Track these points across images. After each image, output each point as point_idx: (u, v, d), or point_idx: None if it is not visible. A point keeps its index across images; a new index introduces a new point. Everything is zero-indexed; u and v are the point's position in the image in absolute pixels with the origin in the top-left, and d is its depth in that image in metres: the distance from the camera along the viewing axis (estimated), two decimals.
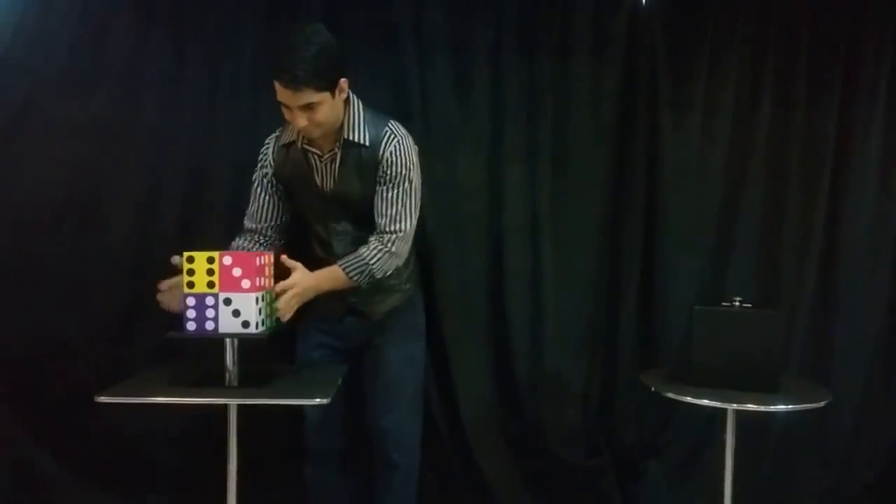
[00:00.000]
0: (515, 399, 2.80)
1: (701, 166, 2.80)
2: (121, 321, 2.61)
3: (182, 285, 1.88)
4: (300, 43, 1.94)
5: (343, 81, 2.06)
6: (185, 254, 1.88)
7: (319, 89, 1.97)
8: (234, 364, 1.95)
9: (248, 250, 2.25)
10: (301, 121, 2.01)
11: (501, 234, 2.76)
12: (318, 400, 1.87)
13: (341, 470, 2.45)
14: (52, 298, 2.56)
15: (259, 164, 2.30)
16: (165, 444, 2.65)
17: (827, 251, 2.83)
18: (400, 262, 2.20)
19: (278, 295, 1.99)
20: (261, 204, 2.28)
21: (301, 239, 2.36)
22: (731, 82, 2.77)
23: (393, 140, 2.14)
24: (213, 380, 1.96)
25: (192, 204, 2.64)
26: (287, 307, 1.99)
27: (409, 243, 2.22)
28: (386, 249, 2.13)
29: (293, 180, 2.25)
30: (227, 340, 1.93)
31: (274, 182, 2.27)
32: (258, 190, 2.29)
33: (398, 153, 2.13)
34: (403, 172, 2.14)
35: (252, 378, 2.00)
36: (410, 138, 2.21)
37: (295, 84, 1.93)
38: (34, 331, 2.56)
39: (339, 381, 2.07)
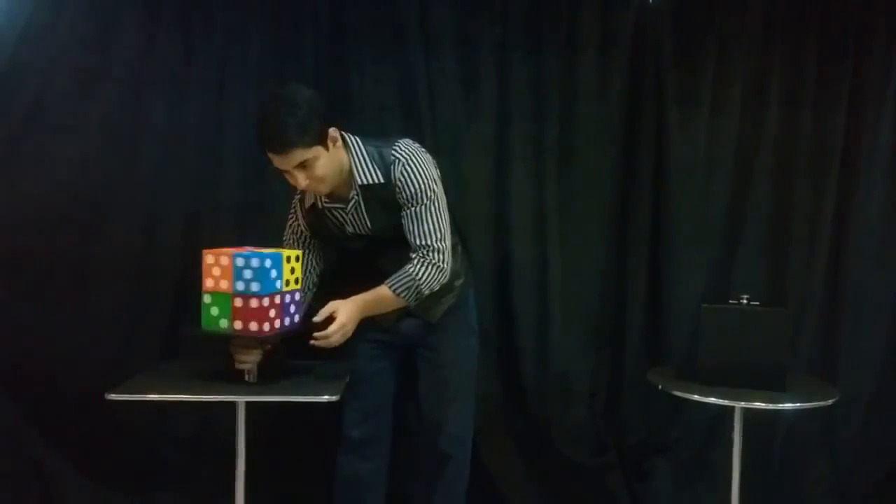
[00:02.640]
0: (522, 397, 2.80)
1: (708, 164, 2.80)
2: (128, 319, 2.62)
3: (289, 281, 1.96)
4: (277, 107, 1.93)
5: (332, 131, 2.03)
6: (286, 252, 1.96)
7: (308, 146, 1.95)
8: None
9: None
10: (302, 181, 2.00)
11: (508, 232, 2.76)
12: (326, 397, 1.88)
13: (378, 462, 2.42)
14: (60, 296, 2.57)
15: (289, 228, 2.28)
16: (174, 441, 2.66)
17: (834, 249, 2.82)
18: (446, 276, 2.17)
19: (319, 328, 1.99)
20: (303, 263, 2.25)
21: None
22: (739, 79, 2.77)
23: (399, 166, 2.11)
24: (229, 377, 1.97)
25: (198, 203, 2.65)
26: (331, 342, 1.99)
27: (450, 254, 2.18)
28: (429, 261, 2.11)
29: (329, 237, 2.25)
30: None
31: (307, 238, 2.27)
32: (293, 245, 2.27)
33: (407, 174, 2.10)
34: (420, 189, 2.11)
35: (262, 375, 2.00)
36: (421, 152, 2.17)
37: (282, 148, 1.93)
38: (42, 329, 2.56)
39: (348, 378, 2.07)
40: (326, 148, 2.01)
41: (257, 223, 2.63)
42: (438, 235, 2.13)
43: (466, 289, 2.38)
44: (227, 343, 1.97)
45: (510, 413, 2.82)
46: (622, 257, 2.84)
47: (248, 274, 1.87)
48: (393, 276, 2.10)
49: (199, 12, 2.62)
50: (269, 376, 1.99)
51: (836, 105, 2.78)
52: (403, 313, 2.24)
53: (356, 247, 2.23)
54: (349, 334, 2.03)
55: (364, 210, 2.15)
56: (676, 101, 2.76)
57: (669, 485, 2.83)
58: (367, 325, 2.18)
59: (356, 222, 2.17)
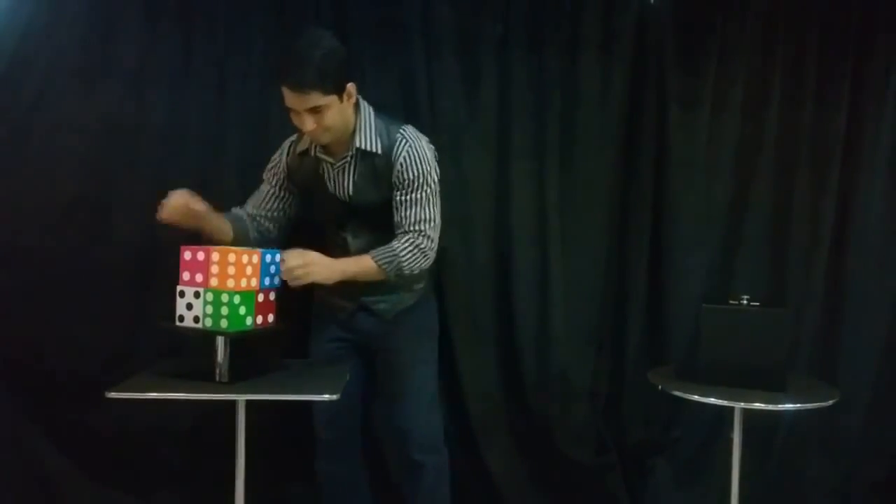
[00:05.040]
0: (522, 397, 2.80)
1: (709, 163, 2.79)
2: (128, 317, 2.62)
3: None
4: (305, 47, 1.96)
5: (350, 86, 2.07)
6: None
7: (326, 92, 1.98)
8: (225, 359, 1.96)
9: (237, 213, 2.30)
10: (309, 124, 2.02)
11: (509, 231, 2.76)
12: (327, 395, 1.88)
13: (352, 463, 2.45)
14: (60, 294, 2.57)
15: (273, 161, 2.33)
16: (173, 440, 2.66)
17: (835, 249, 2.82)
18: (428, 262, 2.20)
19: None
20: (265, 193, 2.33)
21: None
22: (740, 79, 2.77)
23: (405, 146, 2.14)
24: (210, 376, 1.97)
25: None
26: (291, 272, 1.99)
27: (436, 244, 2.22)
28: (416, 243, 2.15)
29: (307, 188, 2.27)
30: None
31: (282, 180, 2.30)
32: (265, 182, 2.33)
33: (411, 158, 2.14)
34: (421, 177, 2.15)
35: (259, 373, 2.01)
36: (425, 140, 2.21)
37: (301, 87, 1.95)
38: (42, 327, 2.57)
39: (348, 376, 2.08)
40: (341, 100, 2.04)
41: None
42: (431, 224, 2.17)
43: (427, 293, 2.40)
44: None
45: (510, 412, 2.82)
46: (623, 257, 2.84)
47: (272, 269, 2.00)
48: (377, 249, 2.13)
49: (200, 11, 2.62)
50: (241, 375, 1.98)
51: (836, 105, 2.77)
52: (358, 307, 2.27)
53: (326, 215, 2.25)
54: (314, 277, 2.02)
55: (352, 173, 2.17)
56: (677, 101, 2.76)
57: (670, 484, 2.83)
58: (327, 320, 2.29)
59: (339, 182, 2.19)
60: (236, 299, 1.90)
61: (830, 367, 2.82)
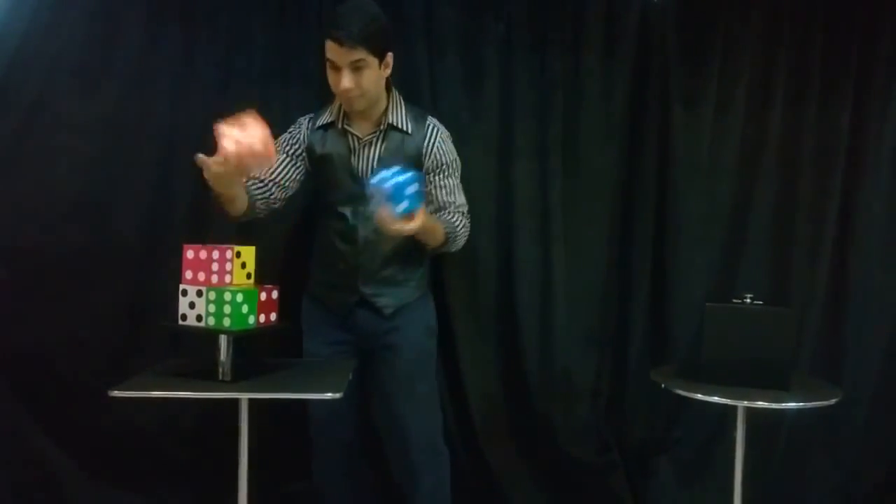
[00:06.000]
0: (525, 396, 2.80)
1: (712, 163, 2.79)
2: (131, 316, 2.62)
3: None
4: (355, 8, 2.05)
5: (390, 55, 2.13)
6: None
7: (370, 51, 2.04)
8: (227, 357, 1.96)
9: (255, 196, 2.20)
10: (347, 81, 2.05)
11: (511, 231, 2.76)
12: (329, 394, 1.88)
13: (350, 466, 2.45)
14: (63, 293, 2.57)
15: (289, 133, 2.30)
16: (176, 439, 2.66)
17: (839, 248, 2.82)
18: (462, 243, 2.30)
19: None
20: (278, 161, 2.24)
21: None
22: (743, 79, 2.76)
23: (438, 132, 2.25)
24: (212, 374, 1.97)
25: (201, 200, 2.64)
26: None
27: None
28: (465, 224, 2.26)
29: (328, 161, 2.25)
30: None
31: (299, 150, 2.28)
32: (279, 151, 2.23)
33: (445, 144, 2.25)
34: (455, 162, 2.28)
35: (262, 372, 2.00)
36: None
37: (349, 40, 2.00)
38: (45, 326, 2.57)
39: (350, 375, 2.08)
40: (380, 66, 2.10)
41: (259, 221, 2.63)
42: (468, 207, 2.30)
43: (426, 290, 2.42)
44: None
45: (513, 412, 2.82)
46: (626, 256, 2.84)
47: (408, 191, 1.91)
48: (440, 216, 2.22)
49: (201, 11, 2.62)
50: (244, 374, 1.98)
51: (840, 104, 2.78)
52: (358, 301, 2.27)
53: (344, 187, 2.23)
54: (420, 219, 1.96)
55: (380, 148, 2.21)
56: (681, 101, 2.76)
57: (672, 483, 2.83)
58: (321, 320, 2.31)
59: (364, 157, 2.22)
60: (239, 297, 1.90)
61: (833, 366, 2.82)
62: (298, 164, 2.29)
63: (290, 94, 2.65)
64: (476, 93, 2.72)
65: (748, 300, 2.31)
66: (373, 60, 2.06)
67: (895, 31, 2.76)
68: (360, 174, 2.22)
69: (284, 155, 2.26)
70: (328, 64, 2.09)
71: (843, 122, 2.78)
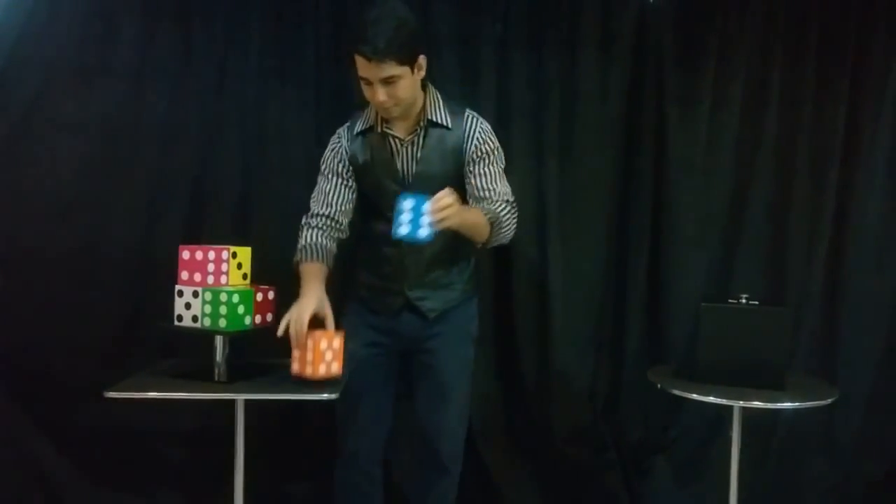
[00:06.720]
0: (522, 396, 2.80)
1: (708, 162, 2.79)
2: (127, 317, 2.62)
3: None
4: (380, 17, 1.94)
5: (422, 58, 2.04)
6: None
7: (401, 62, 1.96)
8: (223, 358, 1.96)
9: (323, 245, 2.14)
10: (381, 95, 1.99)
11: None
12: (325, 395, 1.88)
13: (374, 473, 2.36)
14: (59, 293, 2.58)
15: (331, 150, 2.23)
16: (173, 439, 2.66)
17: (834, 248, 2.82)
18: (512, 234, 2.18)
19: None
20: (334, 186, 2.19)
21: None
22: (739, 78, 2.77)
23: (478, 122, 2.18)
24: (209, 375, 1.97)
25: (198, 200, 2.65)
26: (445, 209, 1.82)
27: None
28: (511, 212, 2.13)
29: (371, 167, 2.19)
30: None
31: (349, 167, 2.21)
32: (330, 175, 2.21)
33: (487, 133, 2.17)
34: (497, 150, 2.19)
35: (258, 373, 2.00)
36: None
37: (377, 56, 1.92)
38: (41, 327, 2.57)
39: (346, 378, 2.07)
40: (413, 72, 2.02)
41: (257, 220, 2.63)
42: (513, 197, 2.17)
43: (471, 296, 2.34)
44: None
45: (510, 412, 2.82)
46: (622, 256, 2.84)
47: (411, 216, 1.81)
48: (484, 206, 2.10)
49: (199, 10, 2.62)
50: (240, 375, 1.98)
51: (835, 104, 2.78)
52: (404, 305, 2.22)
53: (388, 191, 2.14)
54: (456, 216, 1.87)
55: (420, 146, 2.15)
56: (677, 100, 2.76)
57: (669, 483, 2.83)
58: (362, 323, 2.21)
59: (406, 156, 2.16)
60: (235, 298, 1.90)
61: (829, 365, 2.82)
62: (350, 183, 2.22)
63: (287, 93, 2.65)
64: (472, 92, 2.71)
65: (744, 300, 2.31)
66: (405, 70, 1.97)
67: (889, 31, 2.76)
68: (402, 176, 2.17)
69: (337, 178, 2.20)
70: (360, 78, 2.00)
71: (838, 121, 2.78)
